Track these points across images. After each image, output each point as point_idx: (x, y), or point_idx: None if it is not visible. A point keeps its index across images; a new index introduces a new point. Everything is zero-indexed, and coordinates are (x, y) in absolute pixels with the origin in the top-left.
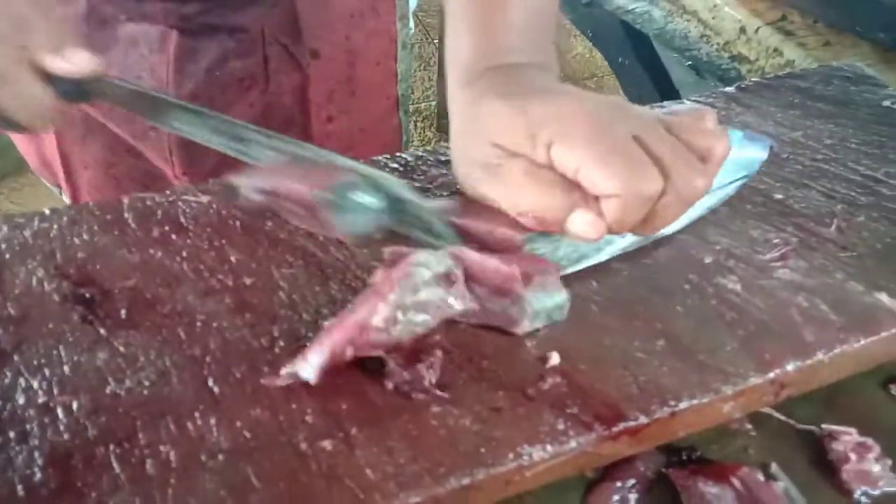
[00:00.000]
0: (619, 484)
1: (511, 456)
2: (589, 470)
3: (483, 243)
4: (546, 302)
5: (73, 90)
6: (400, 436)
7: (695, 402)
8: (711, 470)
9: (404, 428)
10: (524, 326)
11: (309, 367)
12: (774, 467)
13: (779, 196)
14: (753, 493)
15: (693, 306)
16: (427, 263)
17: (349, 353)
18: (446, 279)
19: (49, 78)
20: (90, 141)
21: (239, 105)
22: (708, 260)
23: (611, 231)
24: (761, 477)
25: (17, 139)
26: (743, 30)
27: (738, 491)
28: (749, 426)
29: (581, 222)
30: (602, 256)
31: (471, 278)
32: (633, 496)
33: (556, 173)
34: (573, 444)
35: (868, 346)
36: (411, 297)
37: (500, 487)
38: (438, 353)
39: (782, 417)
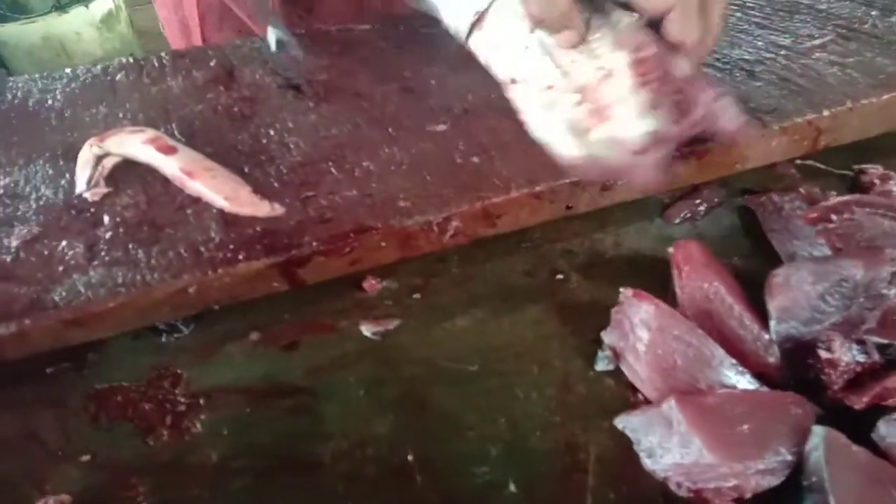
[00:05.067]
0: (689, 201)
1: None
2: (665, 196)
3: None
4: None
5: None
6: (527, 158)
7: None
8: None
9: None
10: None
11: None
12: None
13: (822, 7)
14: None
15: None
16: None
17: None
18: None
19: None
20: (226, 27)
21: None
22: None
23: (682, 48)
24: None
25: (159, 6)
26: None
27: (802, 196)
28: (794, 170)
29: None
30: None
31: None
32: (701, 209)
33: None
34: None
35: (891, 101)
36: None
37: (598, 191)
38: None
39: (822, 166)
